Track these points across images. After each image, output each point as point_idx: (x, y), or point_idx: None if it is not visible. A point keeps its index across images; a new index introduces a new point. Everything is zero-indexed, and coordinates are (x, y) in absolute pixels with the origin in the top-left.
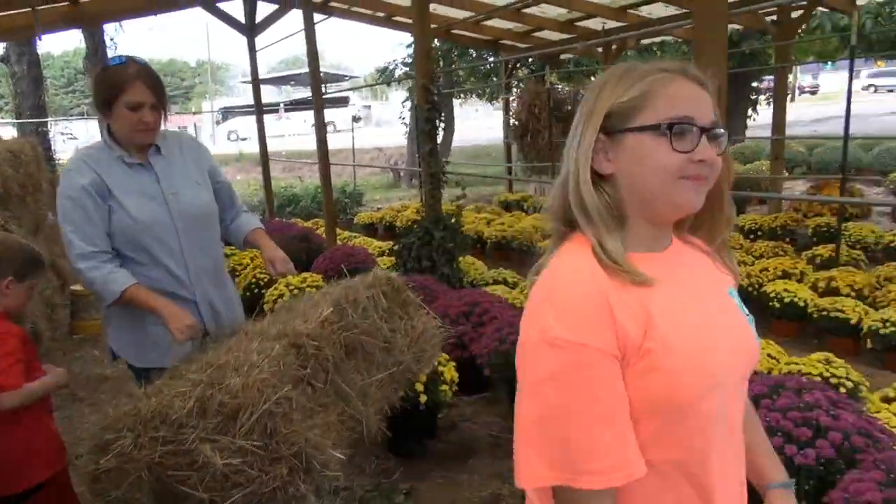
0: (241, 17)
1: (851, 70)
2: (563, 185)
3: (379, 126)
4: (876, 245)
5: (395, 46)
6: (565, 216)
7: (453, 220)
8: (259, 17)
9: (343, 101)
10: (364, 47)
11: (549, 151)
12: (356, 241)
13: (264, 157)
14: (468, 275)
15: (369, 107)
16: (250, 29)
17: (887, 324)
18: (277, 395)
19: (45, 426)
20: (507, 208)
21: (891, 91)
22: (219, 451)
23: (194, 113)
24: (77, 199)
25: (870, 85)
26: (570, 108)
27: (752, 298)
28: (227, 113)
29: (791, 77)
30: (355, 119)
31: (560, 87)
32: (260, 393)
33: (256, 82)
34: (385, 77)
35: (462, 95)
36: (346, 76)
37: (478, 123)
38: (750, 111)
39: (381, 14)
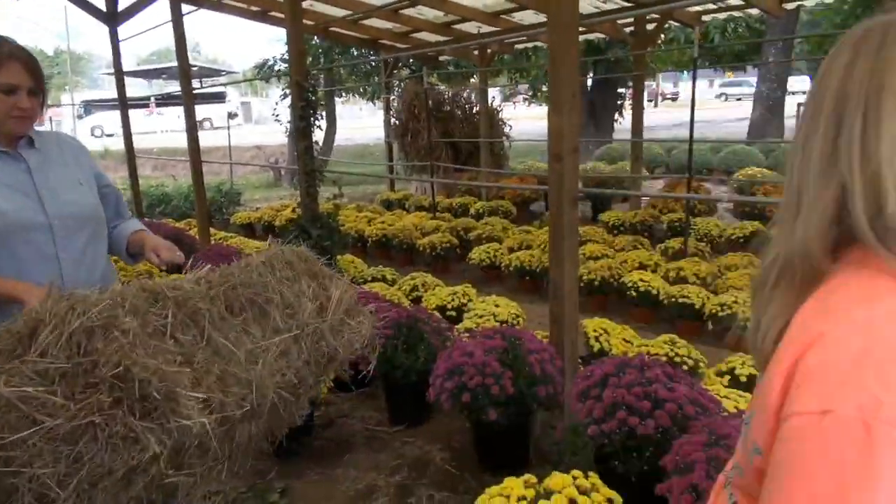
0: (103, 5)
1: (694, 79)
2: (834, 202)
3: (259, 124)
4: (720, 238)
5: (274, 42)
6: (828, 245)
7: (330, 219)
8: (122, 5)
9: (220, 97)
10: (244, 42)
11: (428, 151)
12: (232, 241)
13: (130, 153)
14: (348, 273)
15: (248, 103)
16: (112, 17)
17: (724, 307)
18: (99, 310)
19: None
20: (389, 207)
21: (738, 100)
22: (6, 376)
23: (52, 106)
24: None
25: (721, 93)
26: (448, 108)
27: (613, 289)
28: (90, 107)
29: (654, 84)
30: (231, 115)
31: (440, 87)
32: (72, 311)
33: (119, 74)
34: (263, 73)
35: (344, 94)
36: (222, 71)
37: (363, 123)
38: (617, 115)
39: (256, 8)
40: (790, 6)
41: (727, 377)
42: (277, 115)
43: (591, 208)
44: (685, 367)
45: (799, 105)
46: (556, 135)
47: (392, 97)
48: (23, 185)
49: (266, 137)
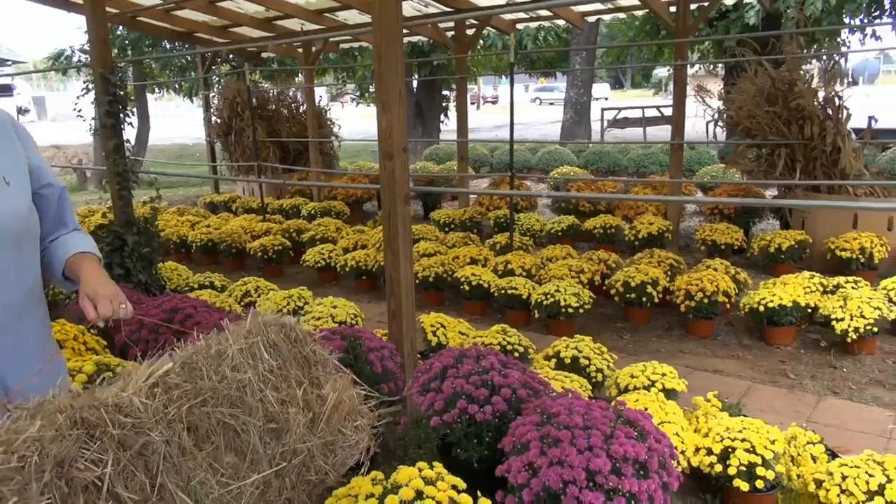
0: None
1: (512, 82)
2: None
3: (57, 121)
4: (540, 232)
5: (74, 31)
6: None
7: (148, 224)
8: None
9: (6, 90)
10: (36, 30)
11: (255, 150)
12: None
13: None
14: (171, 281)
15: (42, 98)
16: None
17: (547, 296)
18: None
19: None
20: (214, 210)
21: (551, 104)
22: None
23: None
24: None
25: (536, 98)
26: (274, 107)
27: (447, 284)
28: None
29: (475, 88)
30: (21, 111)
31: (264, 85)
32: None
33: None
34: (59, 64)
35: (157, 90)
36: (8, 61)
37: (181, 121)
38: (442, 116)
39: None
40: (591, 19)
41: (553, 360)
42: (80, 111)
43: (423, 207)
44: (516, 354)
45: (602, 109)
46: (386, 133)
47: (212, 94)
48: None
49: (66, 136)
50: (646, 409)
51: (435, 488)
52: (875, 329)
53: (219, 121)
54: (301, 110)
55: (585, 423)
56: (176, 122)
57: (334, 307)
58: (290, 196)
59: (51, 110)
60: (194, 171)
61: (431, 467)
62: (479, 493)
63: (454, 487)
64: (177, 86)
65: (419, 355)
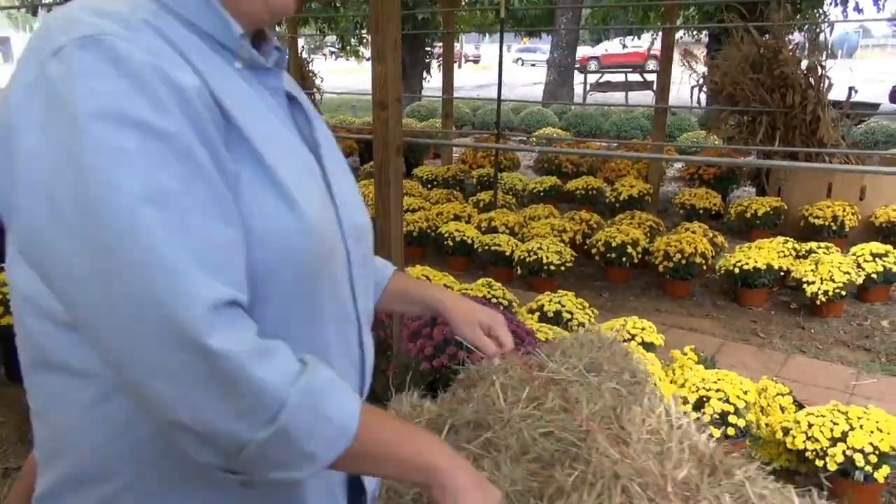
0: None
1: (501, 40)
2: None
3: None
4: (523, 191)
5: None
6: None
7: None
8: None
9: None
10: None
11: None
12: None
13: None
14: None
15: (7, 39)
16: None
17: (530, 253)
18: None
19: None
20: None
21: (533, 65)
22: None
23: None
24: (178, 138)
25: (518, 58)
26: None
27: (430, 239)
28: None
29: (458, 46)
30: None
31: None
32: None
33: None
34: (26, 1)
35: None
36: None
37: None
38: (425, 73)
39: None
40: None
41: (537, 314)
42: None
43: (405, 164)
44: (501, 308)
45: (584, 72)
46: (381, 82)
47: None
48: (308, 160)
49: None
50: None
51: None
52: (843, 293)
53: None
54: None
55: None
56: None
57: None
58: None
59: (17, 51)
60: None
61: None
62: None
63: None
64: None
65: None
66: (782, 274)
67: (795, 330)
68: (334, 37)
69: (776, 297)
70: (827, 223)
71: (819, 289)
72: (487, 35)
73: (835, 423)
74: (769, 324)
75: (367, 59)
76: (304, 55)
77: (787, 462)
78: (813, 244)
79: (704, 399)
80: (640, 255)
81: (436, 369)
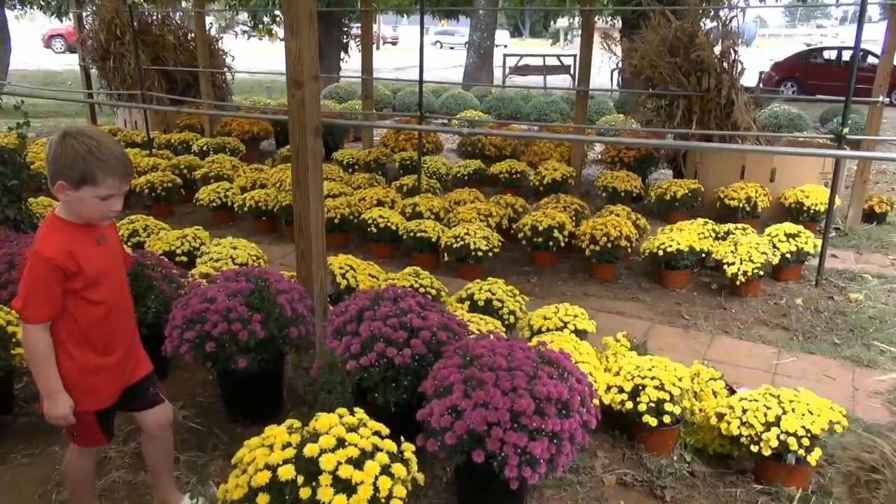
0: None
1: (422, 22)
2: None
3: None
4: (447, 175)
5: None
6: None
7: (16, 154)
8: None
9: None
10: None
11: (138, 78)
12: None
13: None
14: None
15: None
16: None
17: (457, 239)
18: None
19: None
20: None
21: (452, 48)
22: None
23: None
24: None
25: (437, 41)
26: (158, 32)
27: (353, 225)
28: None
29: (374, 27)
30: None
31: (145, 7)
32: None
33: None
34: None
35: (19, 6)
36: None
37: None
38: (342, 54)
39: None
40: None
41: (467, 303)
42: None
43: (325, 147)
44: (429, 297)
45: (504, 56)
46: (296, 59)
47: (85, 14)
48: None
49: None
50: (548, 344)
51: (357, 435)
52: (761, 272)
53: (94, 43)
54: (190, 37)
55: (509, 364)
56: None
57: (234, 248)
58: (179, 131)
59: None
60: (66, 97)
61: (352, 413)
62: (401, 439)
63: (377, 433)
64: (42, 1)
65: (328, 299)
66: (704, 255)
67: (718, 310)
68: (246, 14)
69: (697, 279)
70: (741, 204)
71: (739, 269)
72: (405, 16)
73: (768, 408)
74: (693, 305)
75: (282, 40)
76: (213, 32)
77: (720, 447)
78: (730, 225)
79: (640, 387)
80: (566, 239)
81: (364, 368)
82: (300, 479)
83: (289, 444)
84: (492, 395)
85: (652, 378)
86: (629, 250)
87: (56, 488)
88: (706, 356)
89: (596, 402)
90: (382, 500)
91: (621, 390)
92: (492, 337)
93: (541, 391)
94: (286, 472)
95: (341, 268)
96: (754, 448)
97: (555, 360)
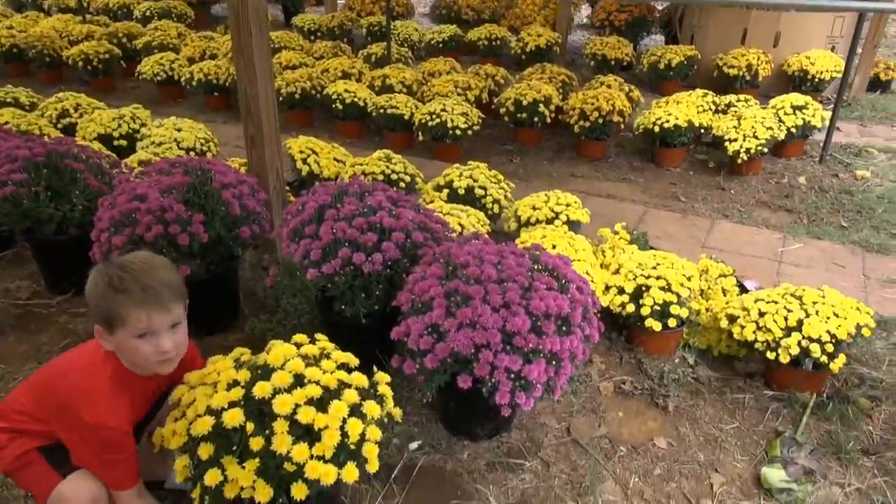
0: None
1: None
2: None
3: None
4: (419, 43)
5: None
6: None
7: None
8: None
9: None
10: None
11: None
12: None
13: None
14: None
15: None
16: None
17: (433, 116)
18: None
19: None
20: (19, 8)
21: None
22: None
23: None
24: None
25: None
26: None
27: (316, 101)
28: None
29: None
30: None
31: None
32: None
33: None
34: None
35: None
36: None
37: None
38: None
39: None
40: None
41: (445, 191)
42: None
43: (283, 12)
44: (403, 185)
45: None
46: None
47: None
48: None
49: None
50: (554, 248)
51: (319, 370)
52: (765, 150)
53: None
54: None
55: (499, 274)
56: None
57: (178, 130)
58: None
59: None
60: None
61: (313, 341)
62: (375, 367)
63: (343, 366)
64: None
65: (287, 188)
66: (702, 131)
67: (716, 191)
68: None
69: (693, 156)
70: (741, 73)
71: (742, 146)
72: None
73: (789, 311)
74: (689, 185)
75: None
76: None
77: (726, 349)
78: (732, 97)
79: (643, 288)
80: (552, 115)
81: (327, 276)
82: (250, 427)
83: (236, 383)
84: (480, 312)
85: (657, 278)
86: (622, 126)
87: None
88: (706, 244)
89: (596, 312)
90: (352, 446)
91: (622, 291)
92: (479, 241)
93: (538, 307)
94: (233, 418)
95: (302, 152)
96: (771, 355)
97: (553, 267)
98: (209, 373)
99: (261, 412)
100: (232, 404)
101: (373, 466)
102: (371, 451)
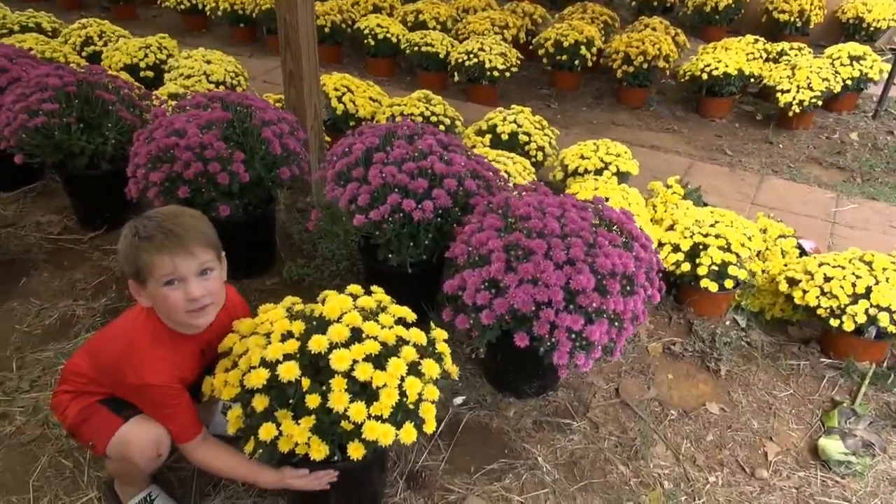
0: None
1: None
2: None
3: None
4: None
5: None
6: None
7: None
8: None
9: None
10: None
11: None
12: None
13: None
14: None
15: None
16: None
17: (470, 56)
18: None
19: None
20: None
21: None
22: None
23: None
24: None
25: None
26: None
27: (346, 36)
28: None
29: None
30: None
31: None
32: None
33: None
34: None
35: None
36: None
37: None
38: None
39: None
40: None
41: (488, 136)
42: None
43: None
44: (442, 128)
45: None
46: None
47: None
48: None
49: None
50: (607, 201)
51: (377, 324)
52: (819, 102)
53: None
54: None
55: (562, 229)
56: None
57: (208, 62)
58: None
59: None
60: None
61: (368, 292)
62: (432, 322)
63: (401, 321)
64: None
65: (323, 127)
66: (752, 80)
67: (764, 145)
68: None
69: (739, 107)
70: (792, 19)
71: (794, 98)
72: None
73: (857, 277)
74: (735, 138)
75: None
76: None
77: (780, 312)
78: (784, 45)
79: (700, 247)
80: (594, 58)
81: (374, 223)
82: (305, 383)
83: (290, 335)
84: (543, 268)
85: (717, 236)
86: (667, 72)
87: (17, 353)
88: (756, 200)
89: (659, 272)
90: (410, 406)
91: (677, 249)
92: (539, 191)
93: (603, 264)
94: (288, 371)
95: (337, 89)
96: (834, 322)
97: (617, 222)
98: (261, 322)
99: (316, 367)
100: (287, 357)
101: (430, 427)
102: (428, 412)
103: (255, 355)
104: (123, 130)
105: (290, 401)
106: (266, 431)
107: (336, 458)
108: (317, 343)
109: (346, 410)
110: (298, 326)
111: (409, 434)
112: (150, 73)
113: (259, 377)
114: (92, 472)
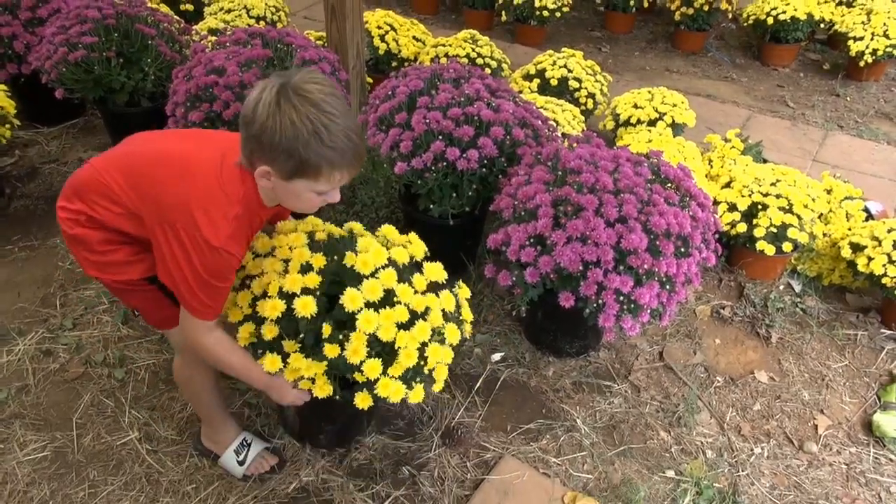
0: None
1: None
2: None
3: None
4: None
5: None
6: None
7: None
8: None
9: None
10: None
11: None
12: None
13: None
14: None
15: None
16: None
17: None
18: None
19: None
20: None
21: None
22: None
23: None
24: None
25: None
26: None
27: None
28: None
29: None
30: None
31: None
32: None
33: None
34: None
35: None
36: None
37: None
38: None
39: None
40: None
41: (536, 81)
42: None
43: None
44: (488, 71)
45: None
46: None
47: None
48: None
49: None
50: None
51: (410, 289)
52: (894, 52)
53: None
54: None
55: (616, 184)
56: None
57: None
58: None
59: None
60: None
61: (406, 238)
62: (460, 281)
63: (433, 286)
64: None
65: (364, 67)
66: (823, 26)
67: (829, 98)
68: None
69: (804, 55)
70: None
71: (868, 46)
72: None
73: None
74: (798, 89)
75: None
76: None
77: (839, 279)
78: None
79: (759, 206)
80: None
81: (416, 172)
82: (327, 330)
83: (310, 267)
84: (593, 226)
85: (778, 196)
86: (730, 16)
87: (61, 291)
88: (818, 157)
89: (715, 233)
90: (426, 372)
91: (733, 208)
92: (592, 142)
93: (658, 224)
94: (305, 308)
95: (380, 27)
96: None
97: (674, 178)
98: (280, 246)
99: (337, 314)
100: (306, 291)
101: (438, 387)
102: (441, 374)
103: (273, 283)
104: (163, 66)
105: (304, 337)
106: (271, 363)
107: (338, 396)
108: (351, 301)
109: (361, 363)
110: (319, 260)
111: (417, 395)
112: (189, 7)
113: (275, 308)
114: (132, 413)
